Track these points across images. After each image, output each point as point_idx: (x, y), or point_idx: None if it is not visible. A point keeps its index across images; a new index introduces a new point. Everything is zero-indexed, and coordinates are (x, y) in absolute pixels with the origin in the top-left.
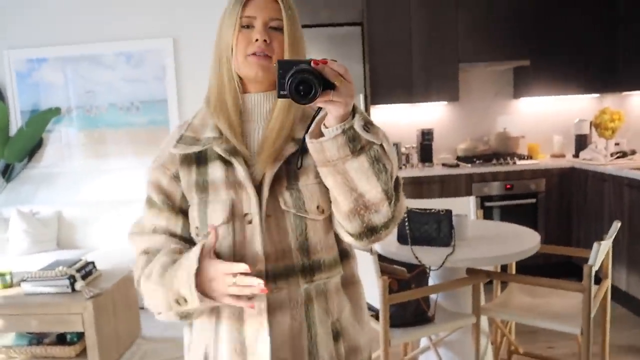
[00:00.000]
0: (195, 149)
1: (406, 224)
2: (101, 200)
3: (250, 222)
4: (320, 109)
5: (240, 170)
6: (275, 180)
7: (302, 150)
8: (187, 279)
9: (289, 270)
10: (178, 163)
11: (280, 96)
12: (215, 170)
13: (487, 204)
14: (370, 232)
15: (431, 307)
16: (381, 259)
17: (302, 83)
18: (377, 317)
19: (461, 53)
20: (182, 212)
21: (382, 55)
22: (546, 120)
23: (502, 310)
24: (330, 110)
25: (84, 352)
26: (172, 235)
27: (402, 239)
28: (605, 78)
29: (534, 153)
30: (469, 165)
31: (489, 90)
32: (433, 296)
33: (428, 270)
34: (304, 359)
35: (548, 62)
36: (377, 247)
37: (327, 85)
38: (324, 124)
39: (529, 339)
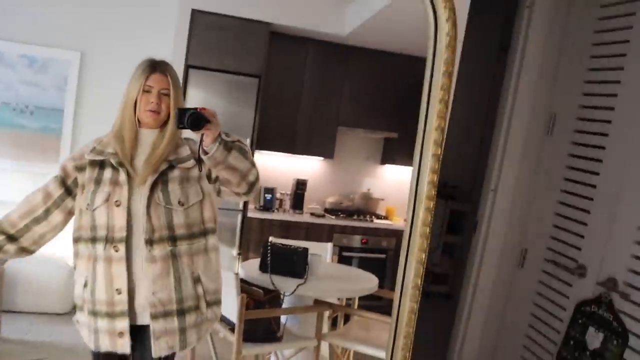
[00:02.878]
0: (100, 157)
1: (268, 254)
2: None
3: (118, 205)
4: (201, 142)
5: (122, 175)
6: (154, 186)
7: (170, 167)
8: None
9: (161, 237)
10: (87, 162)
11: (179, 127)
12: (107, 173)
13: (345, 253)
14: (251, 187)
15: (281, 328)
16: (243, 282)
17: (195, 119)
18: (232, 330)
19: (341, 117)
20: (66, 187)
21: (273, 107)
22: (405, 187)
23: (340, 338)
24: (208, 134)
25: None
26: (51, 196)
27: (263, 267)
28: None
29: (390, 215)
30: (334, 217)
31: (361, 154)
32: (283, 320)
33: (282, 296)
34: (172, 292)
35: (413, 137)
36: (240, 271)
37: (207, 121)
38: (204, 147)
39: None
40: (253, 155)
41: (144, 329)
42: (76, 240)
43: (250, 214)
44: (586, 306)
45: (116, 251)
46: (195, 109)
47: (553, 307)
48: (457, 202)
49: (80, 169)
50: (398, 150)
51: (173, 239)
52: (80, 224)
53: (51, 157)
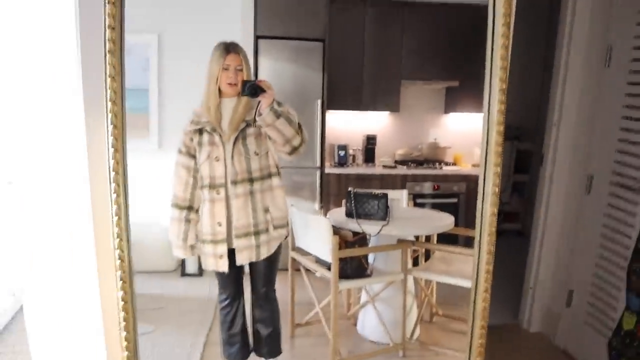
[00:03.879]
0: (198, 127)
1: (352, 201)
2: None
3: (217, 160)
4: (258, 105)
5: (216, 137)
6: (236, 140)
7: (247, 126)
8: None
9: (242, 179)
10: (192, 132)
11: (242, 95)
12: (205, 137)
13: (419, 200)
14: (294, 150)
15: (369, 266)
16: (334, 229)
17: (253, 90)
18: (329, 269)
19: (404, 71)
20: (193, 155)
21: (338, 68)
22: (469, 135)
23: (424, 272)
24: (263, 102)
25: None
26: (188, 167)
27: (349, 214)
28: None
29: (458, 161)
30: (405, 167)
31: (424, 105)
32: (371, 259)
33: (368, 237)
34: (249, 218)
35: (474, 84)
36: (330, 219)
37: (262, 90)
38: (259, 111)
39: (450, 306)
40: (324, 116)
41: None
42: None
43: (327, 171)
44: None
45: (218, 194)
46: (254, 81)
47: (621, 226)
48: (522, 142)
49: (191, 139)
50: (460, 98)
51: (250, 180)
52: None
53: (142, 133)
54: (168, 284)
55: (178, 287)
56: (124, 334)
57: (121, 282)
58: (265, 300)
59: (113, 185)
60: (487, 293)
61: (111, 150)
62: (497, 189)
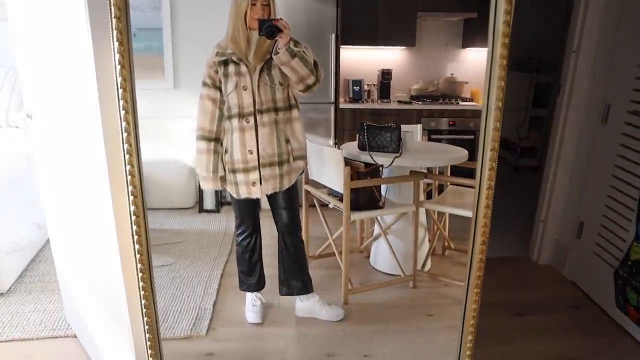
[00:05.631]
0: (224, 58)
1: (365, 133)
2: None
3: (245, 89)
4: (276, 42)
5: (243, 67)
6: (261, 71)
7: (272, 58)
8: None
9: (268, 108)
10: (217, 64)
11: (260, 35)
12: (231, 68)
13: (434, 136)
14: (307, 88)
15: (382, 198)
16: (346, 161)
17: (270, 30)
18: (341, 200)
19: (420, 3)
20: (215, 86)
21: (353, 2)
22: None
23: (436, 204)
24: (280, 41)
25: None
26: (214, 98)
27: (361, 145)
28: None
29: (475, 97)
30: (420, 103)
31: (441, 39)
32: (383, 191)
33: (381, 169)
34: (274, 148)
35: None
36: (343, 152)
37: (280, 30)
38: (278, 48)
39: (462, 240)
40: (338, 51)
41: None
42: None
43: (342, 106)
44: None
45: (247, 122)
46: (271, 21)
47: (636, 156)
48: (543, 74)
49: (216, 71)
50: (478, 31)
51: (275, 109)
52: None
53: (157, 74)
54: (187, 220)
55: (196, 223)
56: (137, 247)
57: (132, 197)
58: (291, 236)
59: (124, 124)
60: (486, 228)
61: (120, 90)
62: (498, 124)
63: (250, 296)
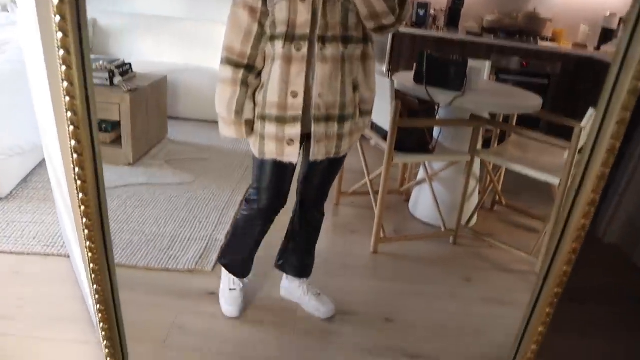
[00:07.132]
0: None
1: (424, 64)
2: (136, 13)
3: (303, 1)
4: None
5: None
6: None
7: None
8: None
9: (334, 37)
10: None
11: None
12: None
13: (502, 76)
14: (380, 29)
15: (433, 141)
16: (396, 92)
17: None
18: (385, 138)
19: None
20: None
21: None
22: (577, 9)
23: (495, 156)
24: None
25: (117, 140)
26: (253, 7)
27: (418, 77)
28: None
29: (557, 38)
30: (492, 36)
31: None
32: (436, 134)
33: (437, 108)
34: (337, 96)
35: None
36: (395, 82)
37: None
38: None
39: (513, 196)
40: None
41: (307, 137)
42: None
43: (402, 30)
44: None
45: (298, 50)
46: None
47: None
48: None
49: None
50: None
51: (345, 40)
52: None
53: None
54: (216, 135)
55: (225, 139)
56: (77, 171)
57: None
58: (314, 210)
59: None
60: (592, 206)
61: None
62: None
63: (228, 278)
